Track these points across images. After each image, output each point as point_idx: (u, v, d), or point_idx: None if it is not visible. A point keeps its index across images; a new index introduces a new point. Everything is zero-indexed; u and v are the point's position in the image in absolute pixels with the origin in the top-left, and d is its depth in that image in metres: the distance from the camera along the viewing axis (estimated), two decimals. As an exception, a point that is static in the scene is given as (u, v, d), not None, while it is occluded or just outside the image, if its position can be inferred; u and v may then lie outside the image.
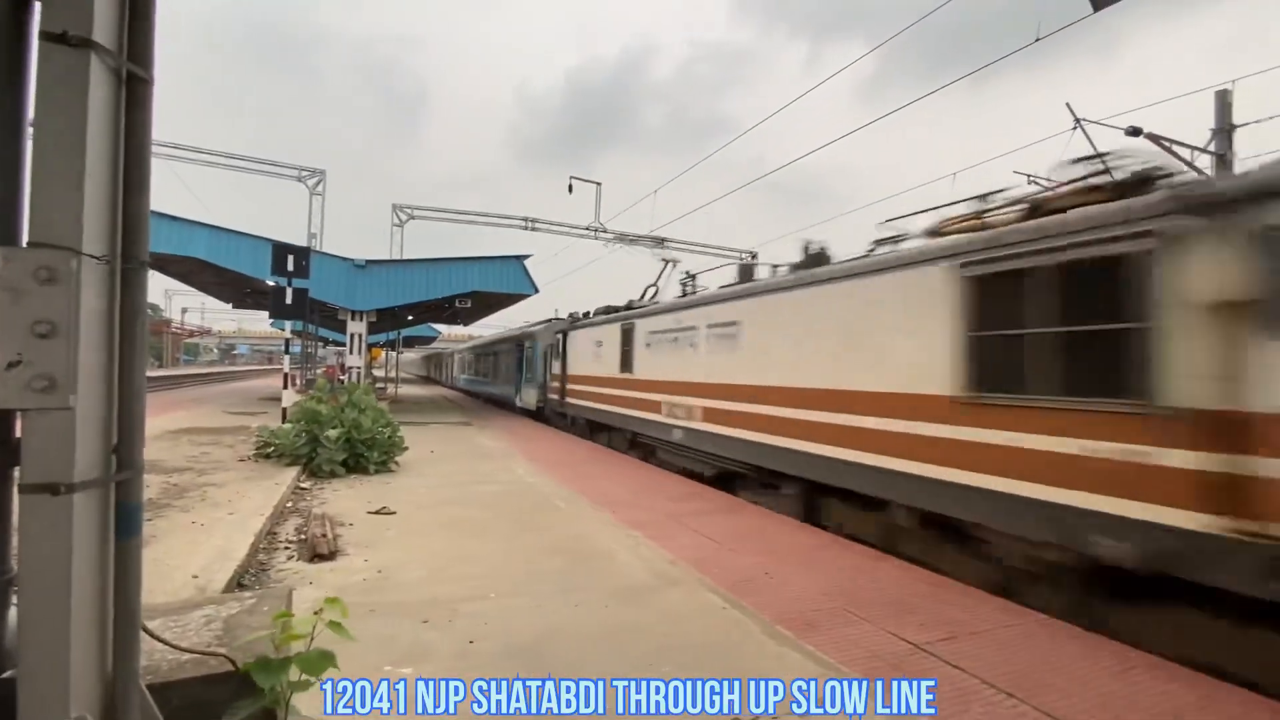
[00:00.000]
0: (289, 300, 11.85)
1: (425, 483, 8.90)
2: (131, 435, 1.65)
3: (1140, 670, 3.67)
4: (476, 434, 15.38)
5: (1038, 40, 7.70)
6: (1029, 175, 12.44)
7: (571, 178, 25.51)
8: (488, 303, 23.64)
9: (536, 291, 19.57)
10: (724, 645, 3.86)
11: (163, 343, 67.78)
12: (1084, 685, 3.46)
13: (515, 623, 4.09)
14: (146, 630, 1.88)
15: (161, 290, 68.70)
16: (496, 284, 18.88)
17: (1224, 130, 12.36)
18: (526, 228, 28.80)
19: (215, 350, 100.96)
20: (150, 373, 45.65)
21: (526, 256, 19.04)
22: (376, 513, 7.01)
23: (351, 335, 18.86)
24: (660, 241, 29.81)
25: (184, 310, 76.27)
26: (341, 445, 9.22)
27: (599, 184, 27.06)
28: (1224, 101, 12.40)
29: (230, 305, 29.32)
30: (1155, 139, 11.56)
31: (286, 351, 13.50)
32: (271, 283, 13.25)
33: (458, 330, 55.38)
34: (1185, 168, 8.67)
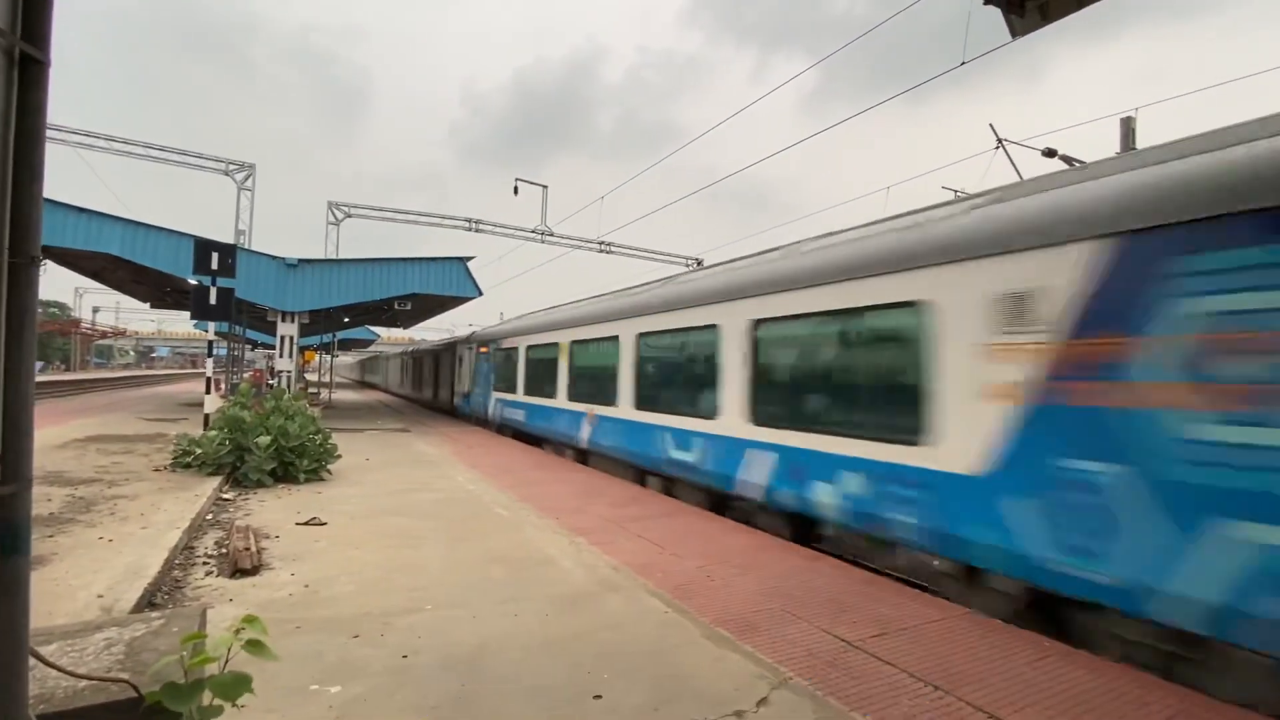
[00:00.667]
0: (213, 300, 11.19)
1: (359, 491, 8.57)
2: (18, 445, 1.52)
3: (1054, 658, 3.90)
4: (414, 440, 14.94)
5: (963, 64, 8.13)
6: (955, 191, 13.15)
7: (517, 180, 25.26)
8: (428, 305, 23.05)
9: (480, 294, 19.22)
10: (664, 650, 3.88)
11: (71, 344, 62.83)
12: (1003, 675, 3.65)
13: (452, 635, 3.99)
14: (37, 655, 1.73)
15: (71, 288, 63.84)
16: (438, 286, 18.42)
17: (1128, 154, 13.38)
18: (470, 229, 28.31)
19: (131, 352, 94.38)
20: (57, 376, 42.27)
21: (470, 258, 18.68)
22: (306, 524, 6.70)
23: (282, 337, 17.99)
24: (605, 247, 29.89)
25: (95, 310, 71.04)
26: (270, 453, 8.78)
27: (545, 187, 26.90)
28: (1128, 128, 13.44)
29: (148, 305, 27.51)
30: (1069, 160, 12.41)
31: (210, 354, 12.73)
32: (194, 281, 12.49)
33: (397, 333, 53.78)
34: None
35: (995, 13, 4.62)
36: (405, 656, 3.65)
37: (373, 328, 37.78)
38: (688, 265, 33.76)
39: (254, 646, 1.74)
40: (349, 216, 27.19)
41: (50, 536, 5.51)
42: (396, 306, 20.24)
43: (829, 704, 3.28)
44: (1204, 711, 3.29)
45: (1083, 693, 3.46)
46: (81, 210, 14.61)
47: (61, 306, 72.16)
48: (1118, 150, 13.22)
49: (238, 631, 1.81)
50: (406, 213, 27.81)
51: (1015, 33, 5.08)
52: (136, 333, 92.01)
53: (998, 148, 12.45)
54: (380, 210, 27.77)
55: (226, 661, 1.76)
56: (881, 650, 3.94)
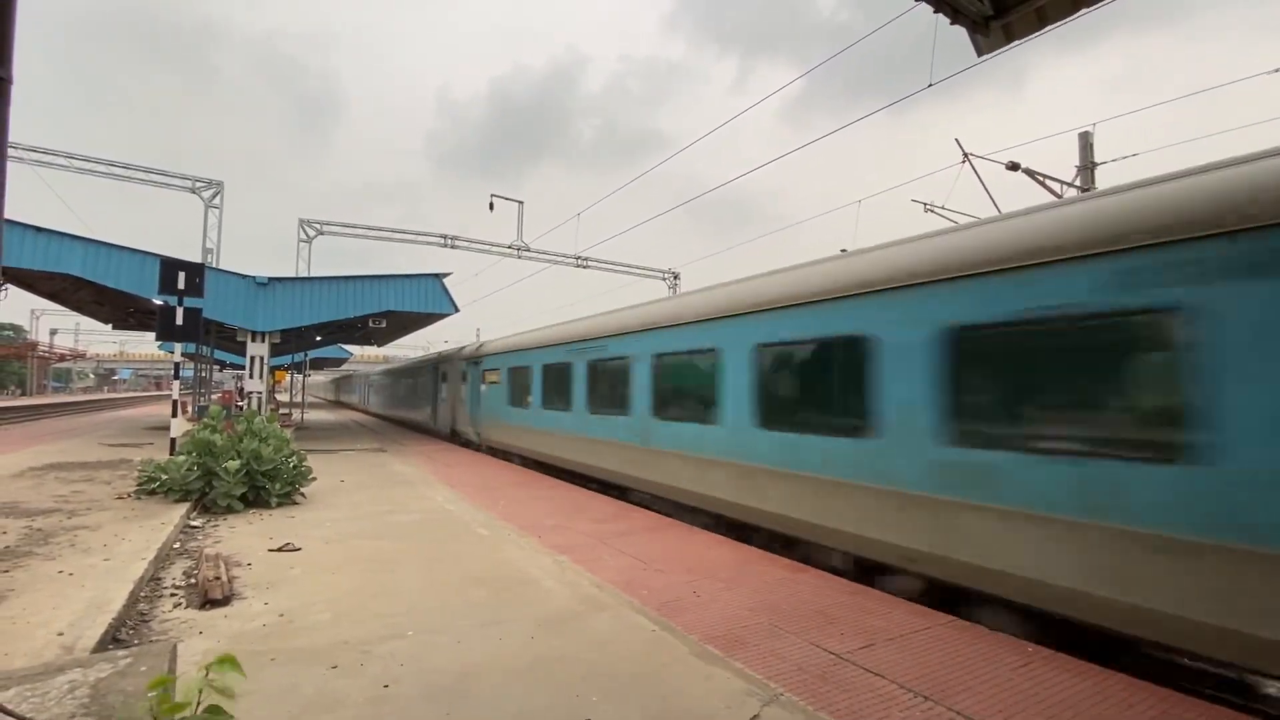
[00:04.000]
0: (179, 321, 10.89)
1: (334, 515, 8.35)
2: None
3: (1038, 663, 3.93)
4: (391, 460, 14.65)
5: (930, 86, 8.33)
6: (925, 204, 13.46)
7: (493, 195, 25.19)
8: (404, 323, 22.75)
9: (457, 310, 19.03)
10: (652, 669, 3.81)
11: (27, 368, 60.59)
12: (990, 682, 3.66)
13: (435, 661, 3.87)
14: (-8, 706, 1.62)
15: (27, 310, 61.79)
16: (413, 303, 18.19)
17: (1086, 167, 13.85)
18: (446, 245, 28.09)
19: (91, 375, 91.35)
20: (12, 402, 40.67)
21: (446, 275, 18.50)
22: (279, 550, 6.49)
23: (252, 358, 17.56)
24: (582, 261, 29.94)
25: (53, 332, 68.63)
26: (240, 478, 8.51)
27: (521, 202, 26.87)
28: (1086, 142, 13.91)
29: (110, 326, 26.65)
30: (1031, 174, 12.77)
31: (176, 376, 12.36)
32: (159, 302, 12.15)
33: (370, 351, 53.06)
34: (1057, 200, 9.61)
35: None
36: (386, 686, 3.54)
37: (346, 346, 37.15)
38: (664, 278, 33.96)
39: (219, 696, 1.65)
40: (320, 234, 26.78)
41: (5, 572, 5.25)
42: (371, 324, 19.93)
43: (821, 719, 3.25)
44: (1188, 712, 3.33)
45: (1070, 696, 3.48)
46: (40, 230, 14.14)
47: (17, 329, 69.67)
48: (1077, 164, 13.66)
49: (207, 673, 1.71)
50: (380, 229, 27.47)
51: (981, 51, 5.22)
52: (97, 355, 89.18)
53: (964, 162, 12.79)
54: (353, 227, 27.39)
55: (199, 704, 1.67)
56: (870, 662, 3.93)
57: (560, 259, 29.75)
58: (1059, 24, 4.65)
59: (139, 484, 8.96)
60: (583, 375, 11.74)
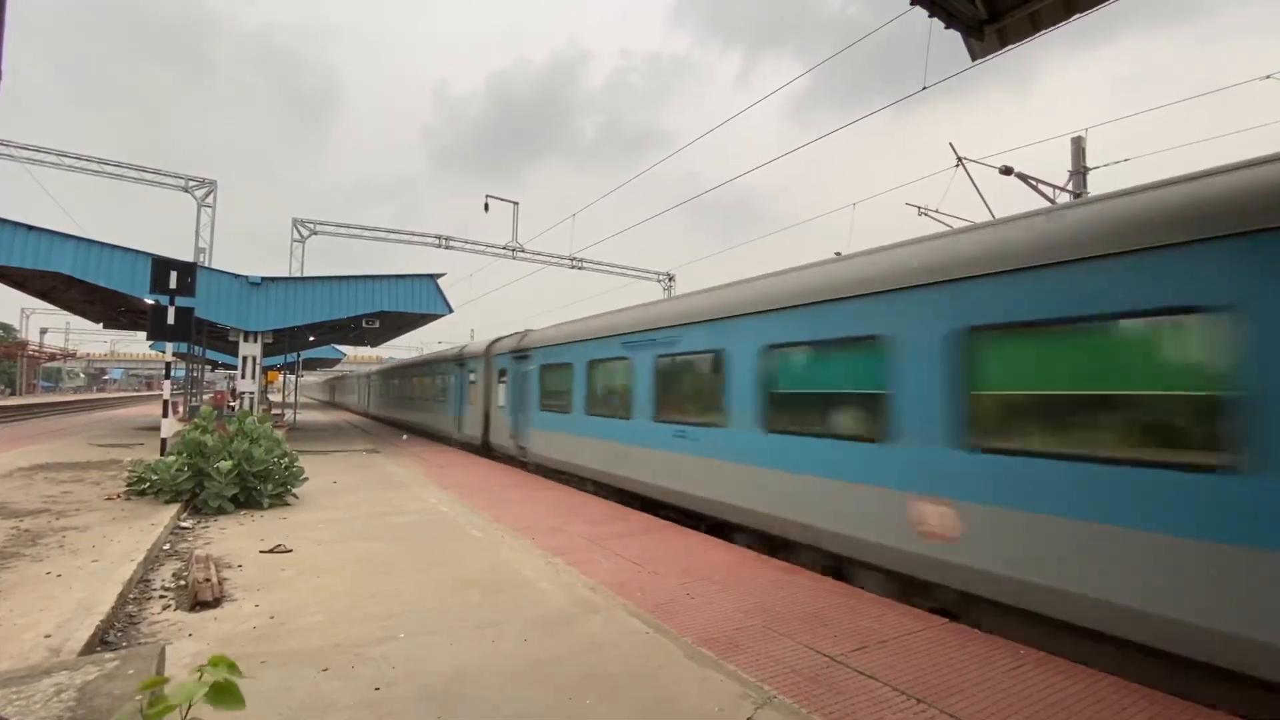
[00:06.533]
0: (171, 320, 10.83)
1: (327, 516, 8.30)
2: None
3: (1030, 666, 3.94)
4: (385, 462, 14.59)
5: (924, 89, 8.37)
6: (919, 207, 13.50)
7: (488, 196, 25.15)
8: (398, 324, 22.68)
9: (451, 311, 18.97)
10: (646, 671, 3.80)
11: (16, 367, 60.03)
12: (982, 685, 3.67)
13: (427, 664, 3.85)
14: (-23, 709, 1.60)
15: (17, 309, 61.30)
16: (407, 304, 18.12)
17: (1079, 172, 13.94)
18: (440, 246, 28.03)
19: (82, 375, 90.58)
20: (1, 401, 40.24)
21: (440, 275, 18.45)
22: (270, 551, 6.45)
23: (244, 358, 17.46)
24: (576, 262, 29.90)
25: (44, 331, 68.03)
26: (232, 479, 8.45)
27: (516, 203, 26.83)
28: (1079, 147, 14.01)
29: (101, 325, 26.44)
30: (1024, 178, 12.85)
31: (168, 376, 12.26)
32: (151, 301, 12.07)
33: (364, 351, 52.79)
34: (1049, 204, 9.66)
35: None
36: (378, 689, 3.51)
37: (339, 346, 37.03)
38: (659, 280, 33.99)
39: (220, 694, 1.62)
40: (314, 234, 26.66)
41: (-7, 573, 5.20)
42: (364, 325, 19.85)
43: (814, 721, 3.25)
44: (1180, 715, 3.35)
45: (1062, 699, 3.50)
46: (30, 228, 14.03)
47: (7, 328, 69.07)
48: (1070, 169, 13.75)
49: (200, 675, 1.68)
50: (374, 229, 27.38)
51: (975, 55, 5.25)
52: (88, 354, 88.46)
53: (957, 165, 12.85)
54: (347, 227, 27.28)
55: (189, 707, 1.65)
56: (863, 664, 3.94)
57: (555, 260, 29.74)
58: (1052, 29, 4.67)
59: (129, 485, 8.88)
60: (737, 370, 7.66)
